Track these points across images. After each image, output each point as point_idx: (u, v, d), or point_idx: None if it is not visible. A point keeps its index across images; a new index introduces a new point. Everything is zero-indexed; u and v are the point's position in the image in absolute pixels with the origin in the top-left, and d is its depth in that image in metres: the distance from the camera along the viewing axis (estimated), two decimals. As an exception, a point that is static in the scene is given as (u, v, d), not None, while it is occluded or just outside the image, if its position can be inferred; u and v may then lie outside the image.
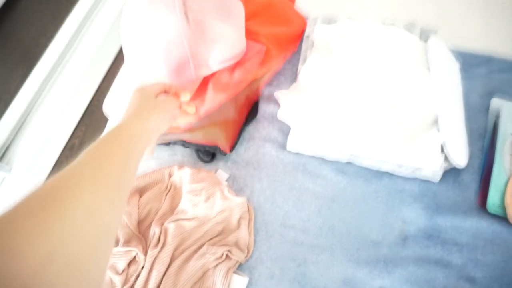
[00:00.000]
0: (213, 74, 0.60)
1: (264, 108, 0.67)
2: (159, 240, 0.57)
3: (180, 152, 0.65)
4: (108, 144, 0.37)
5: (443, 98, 0.60)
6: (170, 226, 0.58)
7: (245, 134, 0.65)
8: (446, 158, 0.58)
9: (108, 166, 0.34)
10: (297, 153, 0.63)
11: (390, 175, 0.61)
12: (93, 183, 0.32)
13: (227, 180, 0.63)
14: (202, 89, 0.60)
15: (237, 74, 0.62)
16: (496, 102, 0.64)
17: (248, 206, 0.60)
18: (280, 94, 0.64)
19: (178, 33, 0.55)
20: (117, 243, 0.57)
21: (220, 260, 0.56)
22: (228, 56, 0.59)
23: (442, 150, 0.58)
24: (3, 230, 0.25)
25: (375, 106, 0.60)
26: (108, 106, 0.64)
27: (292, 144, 0.62)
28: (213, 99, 0.60)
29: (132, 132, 0.40)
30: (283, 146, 0.64)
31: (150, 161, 0.65)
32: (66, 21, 1.17)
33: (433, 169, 0.58)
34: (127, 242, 0.57)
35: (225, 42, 0.58)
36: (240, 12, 0.63)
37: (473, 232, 0.56)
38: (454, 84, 0.63)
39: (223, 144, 0.61)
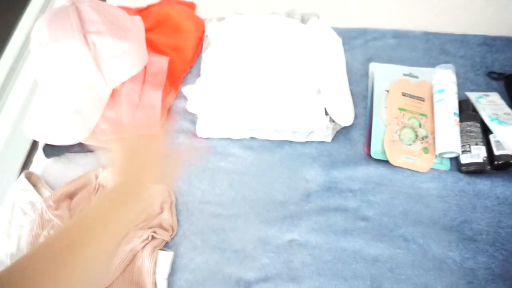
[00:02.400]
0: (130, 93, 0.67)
1: (176, 104, 0.75)
2: (89, 234, 0.63)
3: (104, 156, 0.72)
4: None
5: (324, 69, 0.68)
6: (99, 221, 0.63)
7: (161, 130, 0.72)
8: (333, 120, 0.67)
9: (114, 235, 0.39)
10: (207, 138, 0.70)
11: (290, 143, 0.69)
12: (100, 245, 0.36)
13: (148, 173, 0.69)
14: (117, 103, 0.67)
15: (146, 91, 0.69)
16: (373, 66, 0.73)
17: (168, 192, 0.67)
18: (186, 89, 0.71)
19: (82, 55, 0.61)
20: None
21: (146, 241, 0.62)
22: (132, 68, 0.66)
23: (327, 114, 0.67)
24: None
25: (266, 85, 0.69)
26: (29, 129, 0.68)
27: (201, 130, 0.69)
28: (127, 113, 0.67)
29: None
30: (195, 134, 0.71)
31: (77, 169, 0.71)
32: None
33: (321, 131, 0.66)
34: (60, 242, 0.62)
35: (127, 57, 0.65)
36: (138, 26, 0.71)
37: (364, 178, 0.64)
38: (336, 56, 0.72)
39: None
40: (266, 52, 0.71)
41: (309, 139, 0.67)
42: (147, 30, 0.75)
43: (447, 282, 0.57)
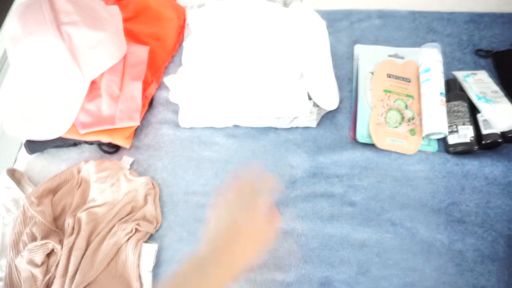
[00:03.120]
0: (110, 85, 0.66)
1: (158, 95, 0.73)
2: (73, 229, 0.62)
3: (88, 150, 0.70)
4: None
5: (307, 53, 0.67)
6: (83, 215, 0.63)
7: (143, 122, 0.71)
8: (318, 105, 0.65)
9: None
10: (191, 128, 0.69)
11: (274, 129, 0.67)
12: None
13: (132, 164, 0.68)
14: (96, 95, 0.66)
15: (126, 82, 0.67)
16: (358, 48, 0.71)
17: (152, 183, 0.66)
18: (167, 80, 0.70)
19: (57, 47, 0.60)
20: (34, 240, 0.61)
21: (130, 234, 0.61)
22: (109, 59, 0.65)
23: (310, 98, 0.65)
24: None
25: (248, 71, 0.67)
26: (9, 126, 0.66)
27: (183, 121, 0.68)
28: (108, 105, 0.66)
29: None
30: (178, 125, 0.70)
31: (60, 163, 0.70)
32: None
33: (305, 116, 0.64)
34: (44, 238, 0.61)
35: (103, 47, 0.64)
36: (116, 16, 0.69)
37: (350, 163, 0.63)
38: (320, 39, 0.70)
39: (124, 144, 0.67)
40: (247, 38, 0.69)
41: (293, 125, 0.66)
42: (126, 20, 0.74)
43: (435, 265, 0.56)
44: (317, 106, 0.65)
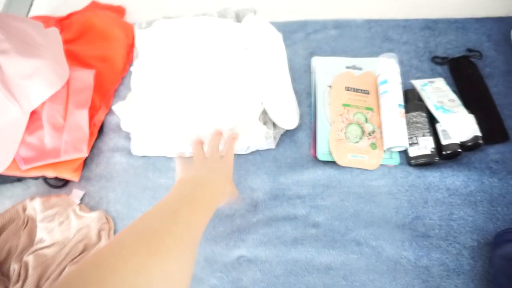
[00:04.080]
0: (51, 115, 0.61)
1: (109, 120, 0.69)
2: (19, 275, 0.57)
3: (34, 184, 0.66)
4: (200, 203, 0.43)
5: (263, 70, 0.64)
6: (30, 259, 0.58)
7: (94, 150, 0.67)
8: (276, 126, 0.63)
9: (199, 222, 0.41)
10: (143, 156, 0.65)
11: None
12: (187, 237, 0.36)
13: (83, 198, 0.64)
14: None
15: (71, 110, 0.63)
16: (315, 61, 0.69)
17: (106, 217, 0.61)
18: (116, 108, 0.66)
19: None
20: (-24, 291, 0.56)
21: (83, 276, 0.57)
22: (48, 87, 0.60)
23: (266, 122, 0.62)
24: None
25: (199, 96, 0.64)
26: None
27: (136, 149, 0.64)
28: (51, 137, 0.61)
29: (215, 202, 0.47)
30: (131, 152, 0.66)
31: (4, 201, 0.64)
32: None
33: (261, 143, 0.62)
34: (-12, 287, 0.56)
35: (41, 76, 0.59)
36: (54, 39, 0.64)
37: (312, 182, 0.61)
38: (277, 53, 0.68)
39: (72, 177, 0.62)
40: (197, 60, 0.66)
41: (252, 149, 0.63)
42: (69, 42, 0.69)
43: (402, 284, 0.54)
44: (276, 126, 0.63)
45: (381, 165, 0.61)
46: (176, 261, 0.33)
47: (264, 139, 0.61)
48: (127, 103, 0.65)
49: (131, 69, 0.68)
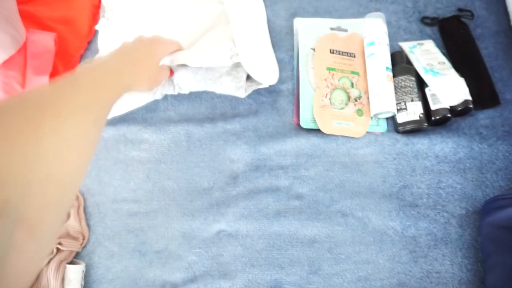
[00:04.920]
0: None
1: (74, 89, 0.63)
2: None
3: None
4: (104, 74, 0.38)
5: (239, 22, 0.58)
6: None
7: (59, 121, 0.61)
8: (252, 79, 0.58)
9: (101, 95, 0.35)
10: (115, 125, 0.60)
11: (210, 120, 0.60)
12: (86, 106, 0.32)
13: (48, 174, 0.59)
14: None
15: (30, 77, 0.57)
16: (297, 22, 0.64)
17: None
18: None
19: None
20: None
21: (51, 256, 0.53)
22: (1, 51, 0.54)
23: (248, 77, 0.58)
24: None
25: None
26: None
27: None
28: None
29: (124, 78, 0.42)
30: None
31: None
32: None
33: (223, 62, 0.55)
34: None
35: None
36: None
37: (295, 152, 0.58)
38: (255, 12, 0.63)
39: None
40: (172, 16, 0.60)
41: (221, 87, 0.57)
42: (24, 2, 0.62)
43: (389, 255, 0.52)
44: (250, 79, 0.58)
45: (367, 132, 0.58)
46: (71, 127, 0.30)
47: (230, 60, 0.54)
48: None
49: (96, 27, 0.61)
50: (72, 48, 0.63)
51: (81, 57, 0.65)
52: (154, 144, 0.59)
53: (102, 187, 0.58)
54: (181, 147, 0.59)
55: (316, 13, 0.65)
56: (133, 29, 0.60)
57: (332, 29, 0.63)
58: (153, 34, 0.51)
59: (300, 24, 0.63)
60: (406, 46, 0.62)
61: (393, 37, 0.64)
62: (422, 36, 0.64)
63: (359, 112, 0.58)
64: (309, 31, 0.62)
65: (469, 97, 0.57)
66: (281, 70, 0.62)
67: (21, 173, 0.24)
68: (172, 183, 0.57)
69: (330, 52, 0.60)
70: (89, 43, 0.66)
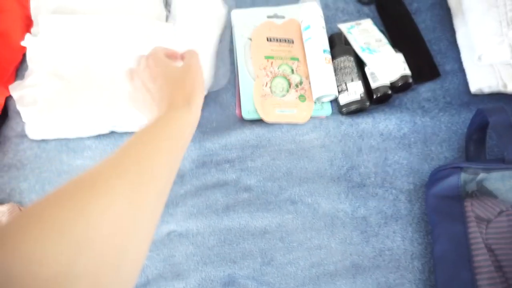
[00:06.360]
0: None
1: (13, 103, 0.61)
2: None
3: None
4: (155, 136, 0.36)
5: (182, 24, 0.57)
6: None
7: (-2, 138, 0.60)
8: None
9: (155, 157, 0.33)
10: (42, 140, 0.59)
11: (153, 121, 0.59)
12: (136, 173, 0.30)
13: (-9, 193, 0.57)
14: None
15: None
16: (234, 14, 0.63)
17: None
18: (12, 88, 0.58)
19: None
20: None
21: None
22: None
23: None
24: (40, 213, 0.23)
25: (108, 70, 0.57)
26: None
27: (33, 133, 0.57)
28: None
29: (181, 122, 0.40)
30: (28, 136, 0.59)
31: None
32: None
33: None
34: None
35: None
36: None
37: (240, 144, 0.57)
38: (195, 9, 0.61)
39: None
40: (102, 34, 0.58)
41: None
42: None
43: (340, 238, 0.52)
44: None
45: (312, 117, 0.58)
46: (124, 200, 0.28)
47: None
48: (23, 87, 0.57)
49: (22, 43, 0.59)
50: (5, 62, 0.61)
51: (16, 69, 0.63)
52: (97, 151, 0.58)
53: (48, 200, 0.56)
54: (125, 152, 0.58)
55: (255, 3, 0.65)
56: (62, 46, 0.58)
57: (269, 17, 0.62)
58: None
59: (236, 16, 0.62)
60: (344, 27, 0.61)
61: (332, 20, 0.63)
62: (361, 16, 0.64)
63: (302, 97, 0.58)
64: (245, 21, 0.61)
65: (408, 72, 0.57)
66: (222, 64, 0.61)
67: (69, 262, 0.22)
68: (119, 188, 0.56)
69: (267, 40, 0.60)
70: (24, 55, 0.64)
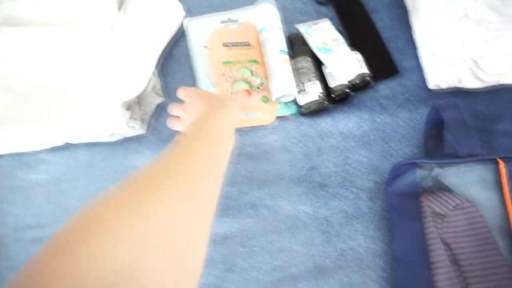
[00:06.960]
0: None
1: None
2: None
3: None
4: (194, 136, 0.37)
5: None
6: None
7: (-51, 155, 0.58)
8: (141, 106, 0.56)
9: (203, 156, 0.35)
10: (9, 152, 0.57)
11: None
12: (188, 174, 0.31)
13: None
14: None
15: None
16: (187, 22, 0.62)
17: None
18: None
19: None
20: None
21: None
22: None
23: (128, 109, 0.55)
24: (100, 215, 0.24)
25: (62, 85, 0.56)
26: None
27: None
28: None
29: (214, 119, 0.41)
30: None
31: None
32: None
33: (125, 130, 0.55)
34: None
35: None
36: None
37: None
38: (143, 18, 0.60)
39: None
40: (55, 38, 0.57)
41: (119, 137, 0.56)
42: None
43: (302, 239, 0.51)
44: (141, 107, 0.56)
45: (278, 117, 0.57)
46: (175, 196, 0.28)
47: (127, 126, 0.53)
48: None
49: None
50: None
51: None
52: (52, 164, 0.56)
53: (4, 217, 0.55)
54: (81, 163, 0.56)
55: (211, 9, 0.64)
56: (12, 59, 0.56)
57: (223, 22, 0.61)
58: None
59: (190, 24, 0.61)
60: (302, 27, 0.61)
61: (290, 20, 0.63)
62: (319, 16, 0.64)
63: (264, 98, 0.57)
64: (200, 29, 0.61)
65: (366, 70, 0.57)
66: (181, 70, 0.60)
67: (132, 260, 0.22)
68: (75, 201, 0.55)
69: (224, 45, 0.59)
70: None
